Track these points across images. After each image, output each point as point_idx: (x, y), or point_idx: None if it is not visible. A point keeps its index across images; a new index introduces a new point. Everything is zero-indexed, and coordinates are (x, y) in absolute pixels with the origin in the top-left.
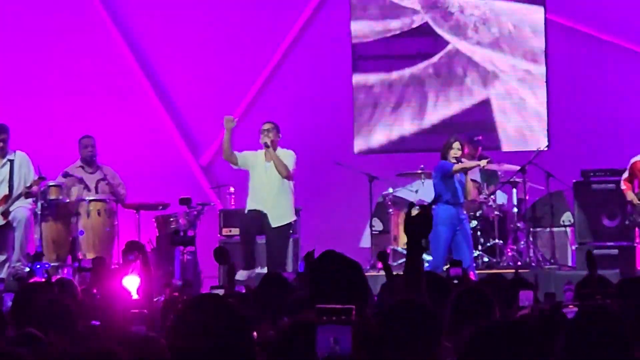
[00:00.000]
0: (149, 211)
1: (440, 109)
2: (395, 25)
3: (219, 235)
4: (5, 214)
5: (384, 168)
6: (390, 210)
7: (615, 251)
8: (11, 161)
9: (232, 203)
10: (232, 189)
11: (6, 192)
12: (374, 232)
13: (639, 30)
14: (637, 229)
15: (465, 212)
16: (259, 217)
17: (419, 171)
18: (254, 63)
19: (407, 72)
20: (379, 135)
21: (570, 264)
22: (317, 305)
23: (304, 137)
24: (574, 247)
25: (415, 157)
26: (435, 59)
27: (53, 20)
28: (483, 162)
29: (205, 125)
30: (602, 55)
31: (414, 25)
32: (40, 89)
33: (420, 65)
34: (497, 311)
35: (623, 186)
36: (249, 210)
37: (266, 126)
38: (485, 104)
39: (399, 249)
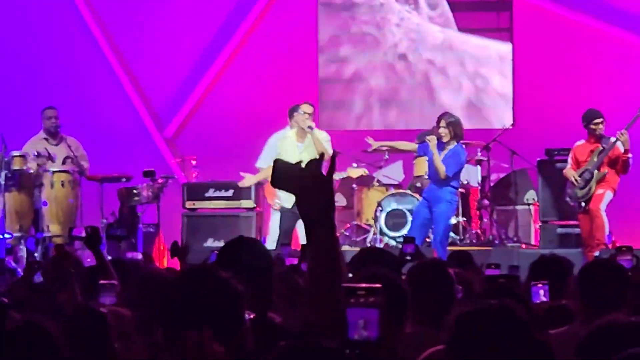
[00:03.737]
0: (112, 183)
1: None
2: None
3: (182, 208)
4: None
5: (348, 144)
6: (354, 185)
7: (578, 230)
8: None
9: (195, 176)
10: (194, 162)
11: None
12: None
13: (606, 9)
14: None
15: (442, 192)
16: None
17: (384, 148)
18: (220, 34)
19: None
20: (345, 111)
21: (533, 242)
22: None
23: (269, 111)
24: (537, 225)
25: (381, 134)
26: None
27: None
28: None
29: (170, 98)
30: (569, 33)
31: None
32: (1, 59)
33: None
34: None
35: (569, 163)
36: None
37: (309, 109)
38: (449, 81)
39: (363, 224)
